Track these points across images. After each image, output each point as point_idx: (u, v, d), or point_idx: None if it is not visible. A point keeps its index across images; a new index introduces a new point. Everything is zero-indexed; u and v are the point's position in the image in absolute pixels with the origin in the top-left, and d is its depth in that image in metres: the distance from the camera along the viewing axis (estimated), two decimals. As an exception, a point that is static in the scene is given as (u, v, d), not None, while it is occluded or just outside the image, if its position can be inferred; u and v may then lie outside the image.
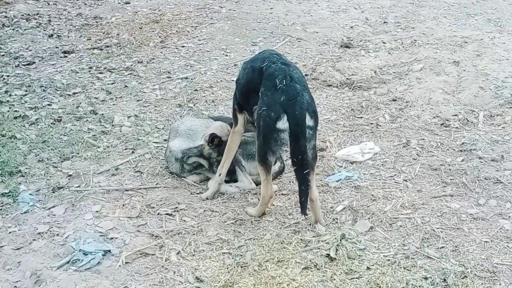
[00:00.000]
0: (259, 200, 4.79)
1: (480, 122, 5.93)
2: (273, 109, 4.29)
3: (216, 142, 5.05)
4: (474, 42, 7.80)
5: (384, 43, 8.17)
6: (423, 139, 5.70)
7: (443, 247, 4.18)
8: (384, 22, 9.12)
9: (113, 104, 6.65)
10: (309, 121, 4.29)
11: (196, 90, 6.99)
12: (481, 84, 6.55)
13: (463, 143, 5.56)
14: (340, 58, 7.81)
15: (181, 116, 6.25)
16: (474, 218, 4.49)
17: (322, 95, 6.86)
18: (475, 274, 3.89)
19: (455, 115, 6.09)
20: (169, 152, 5.29)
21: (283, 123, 4.26)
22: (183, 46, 8.36)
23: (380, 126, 6.04)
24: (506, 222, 4.41)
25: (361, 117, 6.27)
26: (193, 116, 6.10)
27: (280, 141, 4.34)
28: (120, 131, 6.05)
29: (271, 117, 4.29)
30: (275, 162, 5.00)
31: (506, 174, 5.00)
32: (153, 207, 4.81)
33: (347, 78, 7.22)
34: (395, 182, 5.05)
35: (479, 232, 4.32)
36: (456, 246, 4.17)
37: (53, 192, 5.01)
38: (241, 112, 4.84)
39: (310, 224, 4.50)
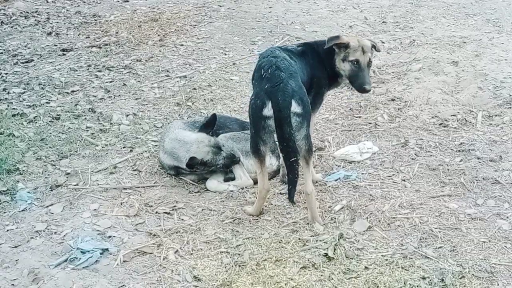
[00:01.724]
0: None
1: (478, 122, 5.94)
2: (259, 97, 4.36)
3: (197, 166, 5.02)
4: (473, 42, 7.80)
5: (383, 42, 8.17)
6: (422, 139, 5.70)
7: (441, 247, 4.18)
8: (383, 22, 9.12)
9: (112, 103, 6.64)
10: (295, 108, 4.29)
11: (195, 88, 6.98)
12: (480, 84, 6.55)
13: (461, 143, 5.56)
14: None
15: (168, 122, 6.06)
16: (472, 218, 4.49)
17: (321, 95, 6.85)
18: (473, 274, 3.89)
19: (453, 115, 6.09)
20: (162, 161, 5.29)
21: (268, 110, 4.29)
22: (182, 45, 8.35)
23: (379, 125, 6.04)
24: (504, 222, 4.41)
25: (360, 117, 6.27)
26: (180, 120, 5.82)
27: (268, 128, 4.36)
28: (119, 130, 6.05)
29: (257, 105, 4.35)
30: (275, 156, 5.07)
31: (504, 175, 5.01)
32: (151, 206, 4.80)
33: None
34: (394, 181, 5.05)
35: (477, 232, 4.33)
36: (454, 246, 4.18)
37: (51, 190, 5.00)
38: None
39: (308, 223, 4.50)
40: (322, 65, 4.93)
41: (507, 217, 4.48)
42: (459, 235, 4.30)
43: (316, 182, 5.00)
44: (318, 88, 4.92)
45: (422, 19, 9.14)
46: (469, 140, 5.61)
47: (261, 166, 4.52)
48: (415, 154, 5.44)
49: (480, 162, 5.22)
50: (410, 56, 7.57)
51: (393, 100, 6.53)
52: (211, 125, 5.23)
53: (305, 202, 4.65)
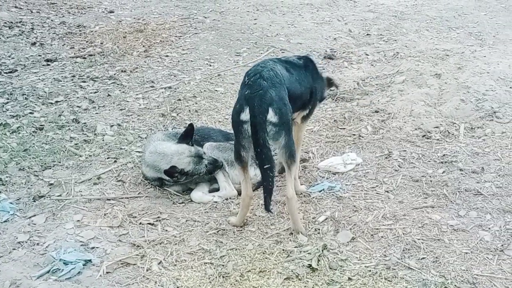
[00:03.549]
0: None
1: (461, 134, 5.99)
2: (239, 102, 4.45)
3: (178, 175, 5.02)
4: (455, 55, 7.89)
5: (367, 55, 8.24)
6: (405, 150, 5.74)
7: (423, 258, 4.20)
8: (367, 34, 9.20)
9: (96, 113, 6.62)
10: (272, 117, 4.34)
11: (180, 99, 6.99)
12: (462, 96, 6.62)
13: (444, 155, 5.61)
14: (323, 69, 7.85)
15: (152, 134, 6.04)
16: (455, 230, 4.52)
17: (305, 106, 6.89)
18: (455, 285, 3.91)
19: (436, 127, 6.14)
20: (145, 174, 5.28)
21: (245, 115, 4.35)
22: (167, 56, 8.36)
23: (363, 137, 6.07)
24: (486, 233, 4.45)
25: (344, 128, 6.30)
26: (161, 133, 5.70)
27: (245, 133, 4.39)
28: (103, 140, 6.03)
29: (236, 110, 4.44)
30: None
31: (486, 186, 5.05)
32: (135, 217, 4.79)
33: (330, 90, 7.26)
34: (377, 193, 5.07)
35: (460, 244, 4.35)
36: (436, 257, 4.20)
37: (34, 201, 4.97)
38: None
39: (291, 234, 4.50)
40: (321, 78, 5.16)
41: (489, 228, 4.51)
42: (441, 246, 4.33)
43: (301, 193, 5.02)
44: (315, 100, 5.08)
45: (405, 32, 9.23)
46: (451, 152, 5.66)
47: (244, 173, 4.55)
48: (399, 166, 5.47)
49: (462, 174, 5.27)
50: (394, 68, 7.63)
51: (377, 111, 6.57)
52: (189, 135, 5.21)
53: (288, 213, 4.64)
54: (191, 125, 5.26)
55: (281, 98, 4.44)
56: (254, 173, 5.24)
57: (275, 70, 4.59)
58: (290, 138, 4.47)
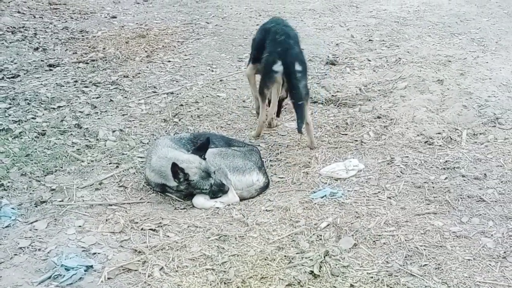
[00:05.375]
0: (243, 215, 4.89)
1: (463, 140, 5.98)
2: (272, 55, 5.87)
3: (181, 177, 4.99)
4: (457, 61, 7.89)
5: (369, 60, 8.24)
6: (407, 156, 5.73)
7: (426, 264, 4.19)
8: (369, 40, 9.20)
9: (98, 118, 6.62)
10: (297, 67, 5.79)
11: (182, 105, 6.99)
12: (465, 102, 6.62)
13: (446, 161, 5.60)
14: (326, 75, 7.87)
15: (157, 138, 6.07)
16: (457, 236, 4.51)
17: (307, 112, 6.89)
18: (457, 292, 3.91)
19: (438, 133, 6.14)
20: (148, 179, 5.28)
21: (277, 66, 5.81)
22: (169, 61, 8.37)
23: (365, 143, 6.07)
24: (488, 240, 4.43)
25: (346, 134, 6.30)
26: (168, 138, 5.70)
27: (273, 79, 5.94)
28: (105, 146, 6.03)
29: (270, 61, 5.88)
30: (261, 172, 5.41)
31: (488, 193, 5.04)
32: (137, 222, 4.78)
33: (332, 95, 7.28)
34: (379, 199, 5.06)
35: (462, 250, 4.34)
36: (439, 264, 4.19)
37: (36, 206, 4.96)
38: (254, 63, 6.38)
39: (293, 241, 4.49)
40: None
41: (492, 235, 4.50)
42: (444, 252, 4.32)
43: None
44: None
45: (407, 37, 9.22)
46: (454, 158, 5.65)
47: (263, 102, 6.14)
48: (401, 172, 5.46)
49: (465, 180, 5.26)
50: (396, 74, 7.63)
51: (379, 117, 6.57)
52: (204, 149, 5.18)
53: (290, 219, 4.74)
54: (208, 139, 5.25)
55: (301, 52, 6.02)
56: (257, 178, 5.27)
57: (293, 29, 6.18)
58: (306, 81, 5.95)
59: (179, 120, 6.64)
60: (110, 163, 5.71)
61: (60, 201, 5.05)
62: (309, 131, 5.99)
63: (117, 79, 7.69)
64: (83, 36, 9.45)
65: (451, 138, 6.03)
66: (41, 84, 7.51)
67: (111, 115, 6.71)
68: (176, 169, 4.93)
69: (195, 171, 5.01)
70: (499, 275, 4.07)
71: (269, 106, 6.38)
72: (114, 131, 6.32)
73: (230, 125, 6.58)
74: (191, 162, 5.05)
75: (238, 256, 4.34)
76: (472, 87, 6.95)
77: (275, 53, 5.82)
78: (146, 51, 8.70)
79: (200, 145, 5.23)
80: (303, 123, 5.84)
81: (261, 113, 6.22)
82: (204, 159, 5.13)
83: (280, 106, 6.64)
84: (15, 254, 4.35)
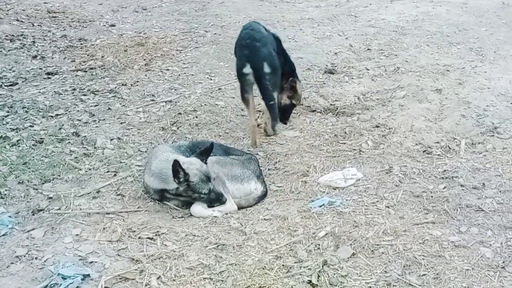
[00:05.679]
0: (241, 224, 4.87)
1: (461, 150, 5.98)
2: (241, 60, 6.23)
3: (181, 175, 4.97)
4: (456, 70, 7.90)
5: (367, 69, 8.24)
6: (406, 165, 5.73)
7: (424, 274, 4.17)
8: (368, 49, 9.20)
9: (96, 127, 6.61)
10: (266, 69, 6.10)
11: (180, 113, 6.98)
12: (463, 112, 6.62)
13: (445, 171, 5.60)
14: (324, 84, 7.87)
15: (156, 145, 6.08)
16: (456, 246, 4.49)
17: (306, 121, 6.90)
18: (456, 302, 3.89)
19: (437, 143, 6.14)
20: (147, 185, 5.26)
21: (247, 69, 6.12)
22: (168, 69, 8.37)
23: (363, 152, 6.06)
24: (487, 250, 4.42)
25: (344, 143, 6.30)
26: (167, 145, 5.76)
27: (247, 81, 6.19)
28: (103, 154, 6.02)
29: (239, 66, 6.26)
30: (260, 181, 5.43)
31: (487, 202, 5.03)
32: (134, 231, 4.76)
33: (331, 104, 7.27)
34: (378, 208, 5.05)
35: (461, 260, 4.33)
36: (437, 274, 4.17)
37: (33, 215, 4.95)
38: None
39: (291, 250, 4.47)
40: None
41: (490, 244, 4.49)
42: (442, 262, 4.30)
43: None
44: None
45: (406, 47, 9.23)
46: (452, 167, 5.65)
47: (247, 108, 6.36)
48: (399, 181, 5.46)
49: (463, 190, 5.25)
50: (395, 83, 7.64)
51: (377, 126, 6.57)
52: (207, 154, 5.19)
53: (288, 228, 4.73)
54: (212, 144, 5.28)
55: (270, 54, 6.23)
56: (255, 187, 5.27)
57: (263, 32, 6.38)
58: (277, 80, 6.34)
59: (177, 128, 6.63)
60: (107, 172, 5.69)
61: (57, 210, 5.04)
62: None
63: (115, 87, 7.69)
64: (81, 44, 9.45)
65: (450, 148, 6.02)
66: (39, 92, 7.50)
67: (109, 123, 6.71)
68: (177, 168, 4.92)
69: (195, 173, 5.00)
70: (497, 285, 4.05)
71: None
72: (112, 139, 6.31)
73: (228, 134, 6.58)
74: (192, 164, 5.05)
75: (236, 265, 4.32)
76: (470, 97, 6.95)
77: (244, 56, 6.19)
78: (144, 60, 8.70)
79: (203, 150, 5.23)
80: (277, 122, 6.32)
81: (249, 118, 6.41)
82: (206, 163, 5.13)
83: (288, 113, 6.79)
84: (12, 263, 4.33)
